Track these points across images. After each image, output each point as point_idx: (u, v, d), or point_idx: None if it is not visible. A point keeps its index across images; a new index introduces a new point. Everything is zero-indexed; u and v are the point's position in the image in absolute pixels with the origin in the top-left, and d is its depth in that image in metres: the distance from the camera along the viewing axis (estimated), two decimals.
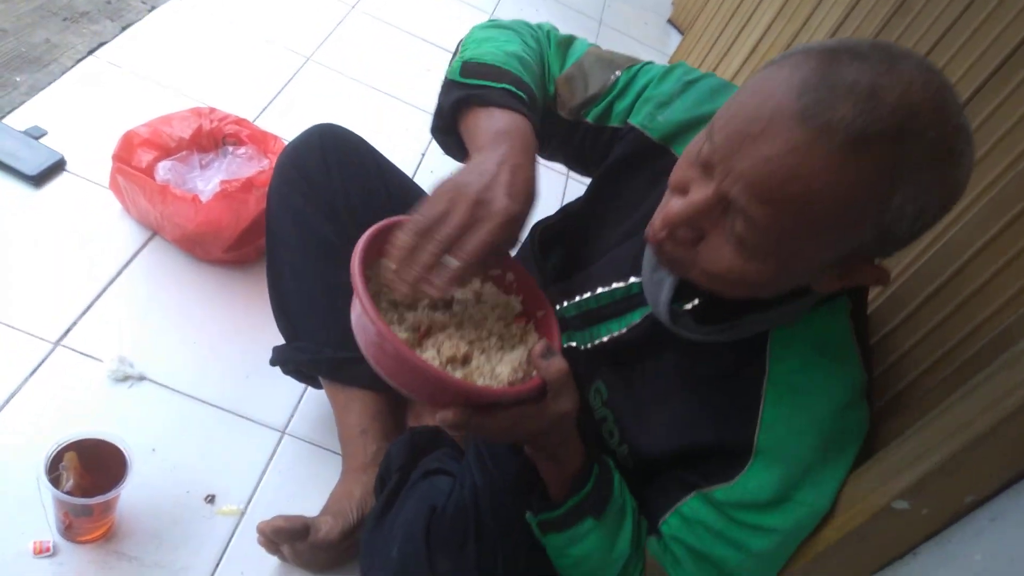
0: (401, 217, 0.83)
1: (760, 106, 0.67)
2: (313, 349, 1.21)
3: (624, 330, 0.94)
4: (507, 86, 0.89)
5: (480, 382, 0.80)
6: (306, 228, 1.19)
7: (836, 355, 0.85)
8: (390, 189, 1.26)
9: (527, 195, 0.80)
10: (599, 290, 0.97)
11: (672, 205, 0.76)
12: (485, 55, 0.93)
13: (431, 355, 0.80)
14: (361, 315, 0.76)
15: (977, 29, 1.22)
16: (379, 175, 1.26)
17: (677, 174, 0.78)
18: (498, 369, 0.81)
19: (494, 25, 1.03)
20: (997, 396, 0.70)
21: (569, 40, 1.06)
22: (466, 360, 0.81)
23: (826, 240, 0.70)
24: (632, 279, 0.94)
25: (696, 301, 0.86)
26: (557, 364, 0.80)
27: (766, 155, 0.66)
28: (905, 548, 0.81)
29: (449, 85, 0.94)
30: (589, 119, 1.00)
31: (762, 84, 0.69)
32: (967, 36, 1.25)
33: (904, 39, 1.45)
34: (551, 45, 1.04)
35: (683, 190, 0.76)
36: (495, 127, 0.85)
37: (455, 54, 1.00)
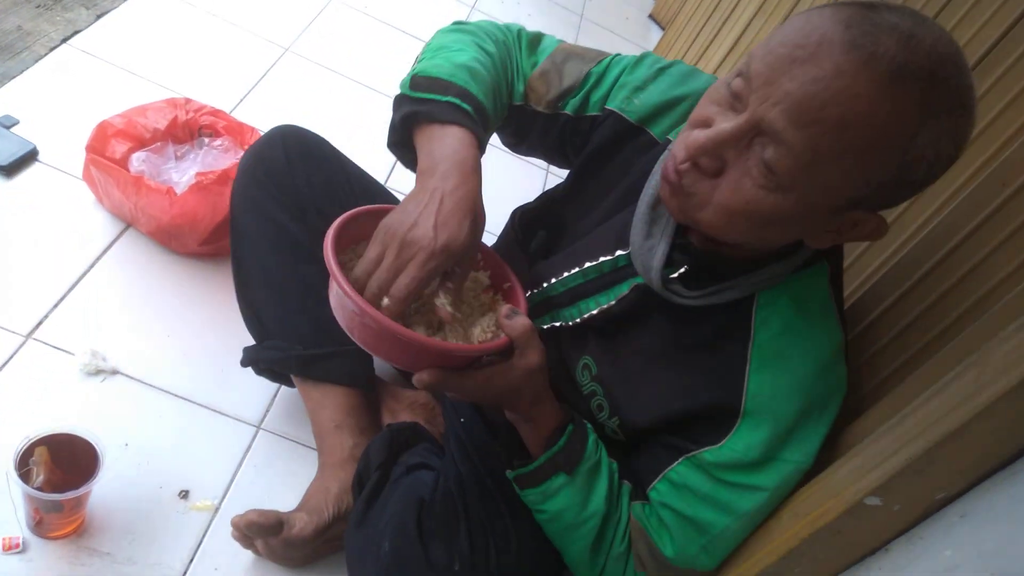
0: (372, 207, 0.93)
1: (807, 35, 0.71)
2: (283, 347, 1.21)
3: (613, 302, 0.97)
4: (452, 99, 0.90)
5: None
6: (273, 227, 1.20)
7: (816, 317, 0.90)
8: (353, 187, 1.27)
9: (457, 220, 0.83)
10: (586, 264, 0.99)
11: (696, 135, 0.78)
12: (433, 68, 0.94)
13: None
14: (339, 294, 0.82)
15: (953, 28, 1.23)
16: (343, 173, 1.27)
17: (698, 112, 0.81)
18: (470, 332, 0.89)
19: (457, 29, 1.04)
20: (966, 394, 0.71)
21: (538, 37, 1.08)
22: (440, 326, 0.88)
23: (851, 173, 0.73)
24: (619, 252, 0.96)
25: (684, 268, 0.90)
26: (521, 322, 0.87)
27: (813, 76, 0.69)
28: (878, 543, 0.82)
29: (400, 99, 0.95)
30: (568, 111, 1.03)
31: (805, 21, 0.73)
32: None
33: None
34: (521, 45, 1.06)
35: (705, 123, 0.79)
36: (436, 149, 0.87)
37: (415, 63, 1.01)
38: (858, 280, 1.14)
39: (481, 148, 0.91)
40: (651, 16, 3.47)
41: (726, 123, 0.76)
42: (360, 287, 0.82)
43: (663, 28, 3.25)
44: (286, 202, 1.19)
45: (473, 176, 0.87)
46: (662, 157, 0.91)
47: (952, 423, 0.72)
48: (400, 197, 1.90)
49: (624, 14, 3.43)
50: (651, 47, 3.13)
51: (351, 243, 0.92)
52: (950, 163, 0.75)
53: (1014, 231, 0.91)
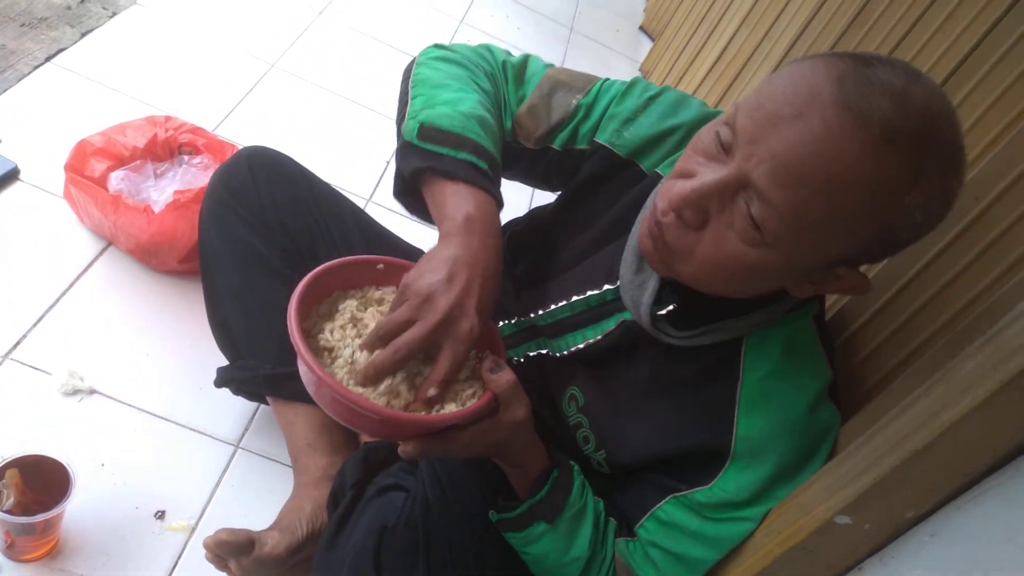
0: (334, 262, 0.88)
1: (796, 91, 0.69)
2: (252, 367, 1.20)
3: (599, 337, 0.96)
4: (468, 157, 0.87)
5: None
6: (240, 246, 1.19)
7: (805, 358, 0.89)
8: (320, 203, 1.26)
9: (491, 308, 0.83)
10: (573, 298, 0.98)
11: (681, 185, 0.76)
12: (442, 117, 0.90)
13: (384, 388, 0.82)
14: (307, 372, 0.79)
15: (930, 39, 1.23)
16: (309, 190, 1.26)
17: (683, 163, 0.79)
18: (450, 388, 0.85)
19: (444, 58, 1.00)
20: (933, 411, 0.70)
21: (523, 65, 1.04)
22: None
23: (837, 232, 0.72)
24: (606, 286, 0.95)
25: (672, 307, 0.88)
26: (505, 377, 0.83)
27: (800, 136, 0.67)
28: (850, 562, 0.81)
29: (406, 148, 0.91)
30: (556, 145, 1.01)
31: (796, 74, 0.71)
32: (921, 45, 1.25)
33: (862, 48, 1.45)
34: (508, 77, 1.03)
35: (688, 175, 0.77)
36: (463, 209, 0.85)
37: (405, 92, 0.98)
38: (831, 299, 1.13)
39: (500, 208, 0.90)
40: (641, 28, 3.48)
41: (709, 175, 0.74)
42: (382, 341, 0.80)
43: (653, 40, 3.26)
44: (252, 221, 1.19)
45: (501, 251, 0.86)
46: (653, 193, 0.90)
47: (920, 441, 0.71)
48: (384, 212, 1.90)
49: (614, 26, 3.43)
50: (641, 59, 3.14)
51: (318, 299, 0.89)
52: (939, 222, 0.74)
53: (987, 247, 0.91)
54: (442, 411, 0.83)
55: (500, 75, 1.02)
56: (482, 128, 0.91)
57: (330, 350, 0.84)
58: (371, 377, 0.79)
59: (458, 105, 0.92)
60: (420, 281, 0.80)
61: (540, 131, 1.00)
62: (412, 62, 1.02)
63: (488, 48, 1.05)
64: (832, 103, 0.67)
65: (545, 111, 1.00)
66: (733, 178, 0.72)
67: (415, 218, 1.01)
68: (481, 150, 0.89)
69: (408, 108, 0.95)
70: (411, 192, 0.94)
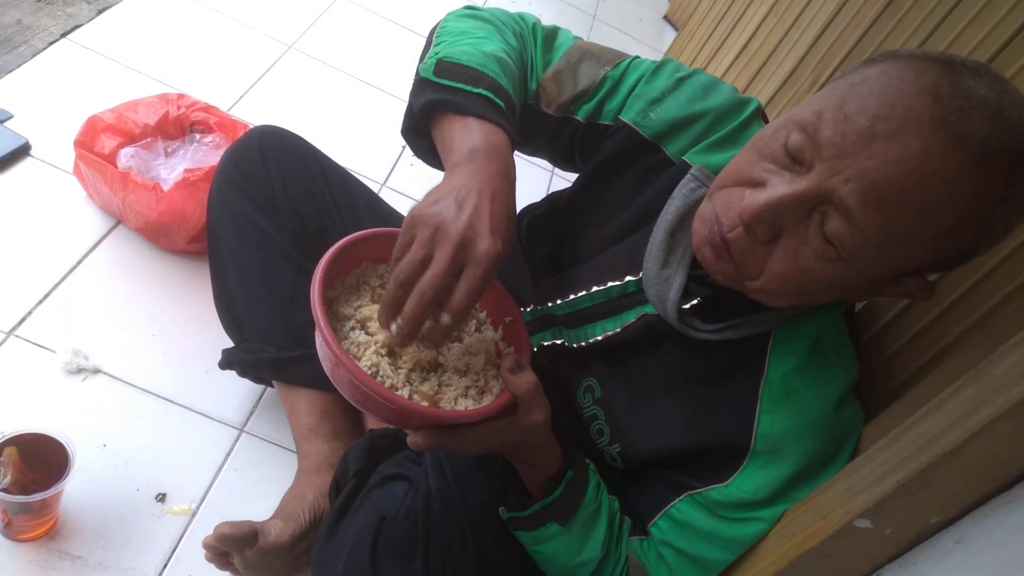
0: (358, 234, 0.84)
1: (891, 106, 0.65)
2: (256, 350, 1.18)
3: (619, 329, 0.93)
4: (484, 92, 0.83)
5: (450, 394, 0.81)
6: (248, 227, 1.17)
7: (833, 352, 0.86)
8: (331, 184, 1.23)
9: (508, 228, 0.76)
10: (593, 288, 0.95)
11: (752, 198, 0.72)
12: (461, 54, 0.86)
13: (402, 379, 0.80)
14: (324, 348, 0.76)
15: (964, 29, 1.19)
16: (320, 171, 1.23)
17: (746, 169, 0.75)
18: (466, 381, 0.83)
19: (472, 15, 0.97)
20: (963, 413, 0.67)
21: (553, 33, 1.01)
22: (433, 368, 0.82)
23: (919, 248, 0.69)
24: (628, 277, 0.92)
25: (696, 300, 0.86)
26: (526, 378, 0.80)
27: (897, 156, 0.64)
28: (868, 568, 0.78)
29: (421, 84, 0.87)
30: (579, 116, 0.97)
31: (885, 85, 0.67)
32: (954, 36, 1.21)
33: (892, 38, 1.41)
34: (536, 40, 0.99)
35: (755, 183, 0.74)
36: (471, 142, 0.79)
37: (428, 44, 0.95)
38: None
39: (514, 148, 0.84)
40: (665, 17, 3.43)
41: (784, 186, 0.71)
42: (403, 289, 0.73)
43: (677, 30, 3.21)
44: (261, 202, 1.17)
45: (513, 180, 0.80)
46: (682, 184, 0.86)
47: (947, 443, 0.68)
48: (398, 197, 1.87)
49: (638, 15, 3.39)
50: (664, 49, 3.09)
51: (342, 272, 0.85)
52: (1014, 228, 0.71)
53: (1018, 246, 0.87)
54: (456, 406, 0.80)
55: (529, 37, 0.99)
56: (502, 68, 0.87)
57: (350, 319, 0.82)
58: (407, 334, 0.73)
59: (480, 45, 0.88)
60: (427, 212, 0.73)
61: (564, 98, 0.96)
62: (439, 21, 0.99)
63: (520, 13, 1.02)
64: (929, 121, 0.64)
65: (571, 78, 0.96)
66: (814, 193, 0.69)
67: (419, 160, 0.97)
68: (498, 87, 0.84)
69: (428, 53, 0.91)
70: (420, 131, 0.89)
